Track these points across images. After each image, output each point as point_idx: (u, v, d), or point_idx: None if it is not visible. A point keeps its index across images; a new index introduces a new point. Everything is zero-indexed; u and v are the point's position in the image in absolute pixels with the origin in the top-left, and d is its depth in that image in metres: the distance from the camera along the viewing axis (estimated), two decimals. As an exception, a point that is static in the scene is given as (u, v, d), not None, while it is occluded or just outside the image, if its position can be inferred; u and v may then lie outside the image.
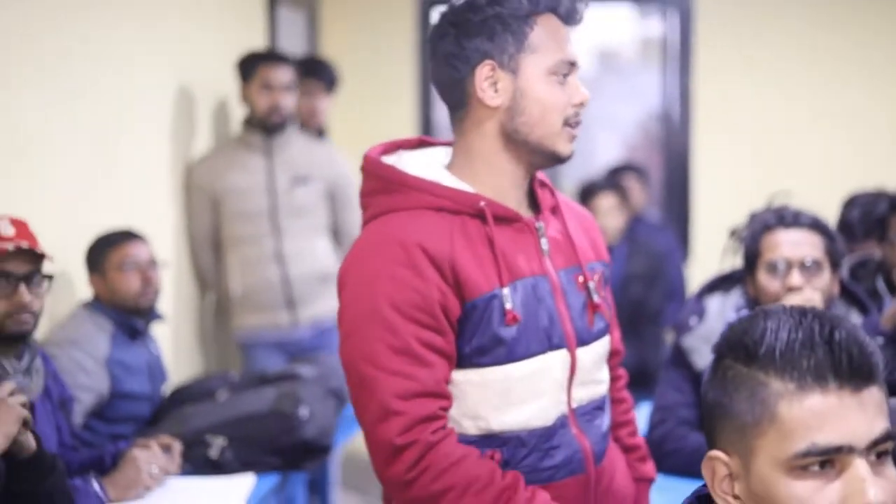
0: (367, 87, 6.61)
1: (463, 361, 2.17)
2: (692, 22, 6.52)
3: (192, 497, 3.15)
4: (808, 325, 1.52)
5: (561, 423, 2.25)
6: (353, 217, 4.94)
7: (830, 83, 6.64)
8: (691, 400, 3.20)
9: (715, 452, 1.58)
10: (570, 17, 2.25)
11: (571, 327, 2.25)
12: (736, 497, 1.57)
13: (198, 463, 3.44)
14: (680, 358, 3.25)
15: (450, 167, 2.28)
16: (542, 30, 2.21)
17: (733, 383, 1.55)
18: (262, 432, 3.52)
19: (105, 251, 3.90)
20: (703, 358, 3.17)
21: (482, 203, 2.20)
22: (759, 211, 3.25)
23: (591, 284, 2.31)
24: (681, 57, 6.48)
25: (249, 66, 5.05)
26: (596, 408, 2.34)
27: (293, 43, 6.25)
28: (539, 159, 2.25)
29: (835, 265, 3.11)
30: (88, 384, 3.67)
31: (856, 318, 3.17)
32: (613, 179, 6.14)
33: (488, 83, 2.20)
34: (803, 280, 3.04)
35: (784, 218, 3.12)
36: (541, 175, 2.35)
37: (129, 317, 3.86)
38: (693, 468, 2.82)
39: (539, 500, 2.15)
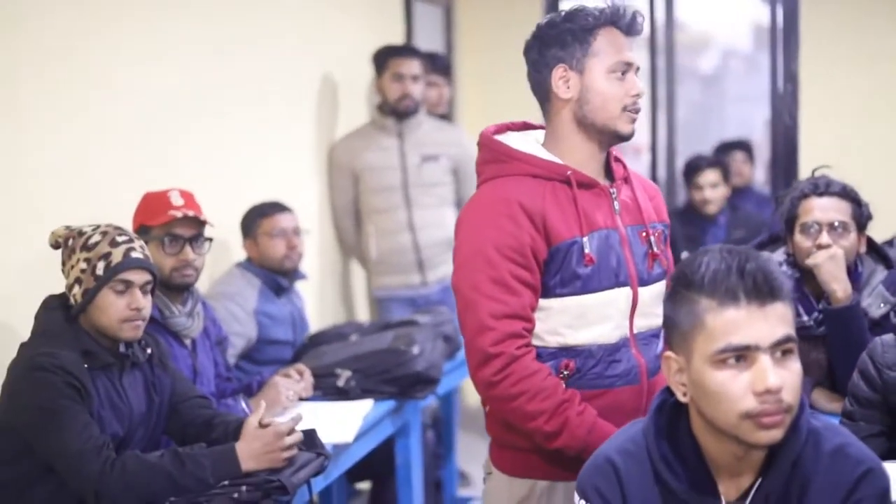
0: (498, 76, 7.18)
1: (548, 291, 2.77)
2: (798, 8, 6.89)
3: (321, 415, 3.80)
4: (729, 260, 2.13)
5: (623, 343, 2.83)
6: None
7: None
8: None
9: (668, 353, 2.22)
10: (629, 29, 2.85)
11: (634, 270, 2.85)
12: (683, 385, 2.19)
13: (328, 391, 4.11)
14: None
15: (544, 145, 2.90)
16: (604, 39, 2.81)
17: (678, 302, 2.18)
18: (380, 365, 4.17)
19: (257, 220, 4.62)
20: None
21: (569, 172, 2.81)
22: (799, 181, 3.79)
23: (652, 239, 2.91)
24: (785, 41, 6.87)
25: (382, 58, 5.75)
26: (652, 335, 2.91)
27: (429, 35, 6.84)
28: (606, 138, 2.85)
29: (860, 227, 3.63)
30: (240, 331, 4.38)
31: (882, 272, 3.67)
32: (718, 155, 6.74)
33: (562, 81, 2.83)
34: (831, 239, 3.58)
35: (817, 187, 3.65)
36: (616, 151, 2.96)
37: (275, 276, 4.58)
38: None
39: (588, 413, 2.74)
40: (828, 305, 3.53)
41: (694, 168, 6.38)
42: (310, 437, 3.25)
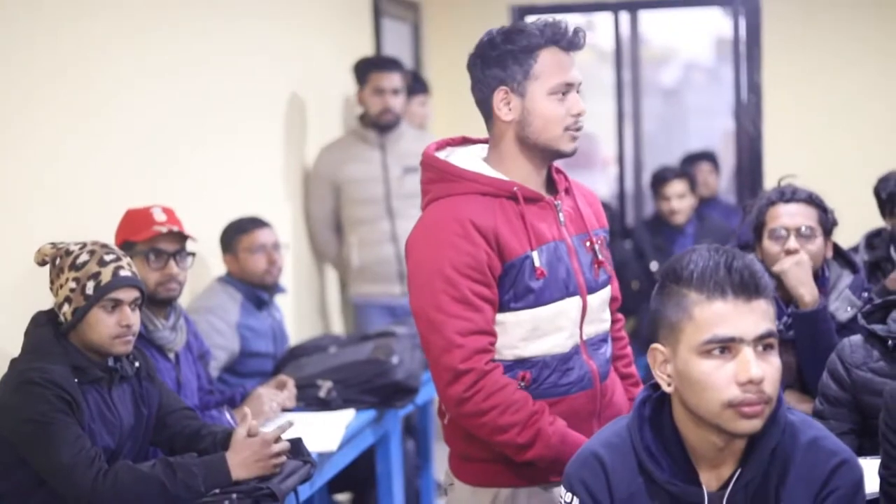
0: (466, 90, 7.27)
1: (502, 307, 2.84)
2: (761, 21, 7.03)
3: (304, 426, 3.86)
4: (717, 257, 2.25)
5: (575, 351, 2.91)
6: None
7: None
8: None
9: (655, 345, 2.32)
10: (570, 46, 2.89)
11: (583, 279, 2.92)
12: (668, 375, 2.29)
13: (310, 401, 4.20)
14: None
15: (487, 160, 2.95)
16: (545, 60, 2.84)
17: (667, 296, 2.29)
18: (361, 376, 4.27)
19: (236, 235, 4.69)
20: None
21: (515, 188, 2.86)
22: (765, 190, 3.89)
23: (596, 246, 2.98)
24: (748, 53, 7.02)
25: (363, 71, 5.82)
26: (601, 340, 3.01)
27: (398, 51, 6.91)
28: (548, 156, 2.91)
29: (826, 232, 3.73)
30: (222, 344, 4.46)
31: (847, 276, 3.77)
32: (685, 166, 6.88)
33: (503, 103, 2.88)
34: (798, 245, 3.68)
35: (784, 194, 3.75)
36: (556, 164, 3.01)
37: (256, 290, 4.65)
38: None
39: (558, 424, 2.81)
40: (796, 310, 3.63)
41: (661, 179, 6.51)
42: (296, 446, 3.32)
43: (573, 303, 2.89)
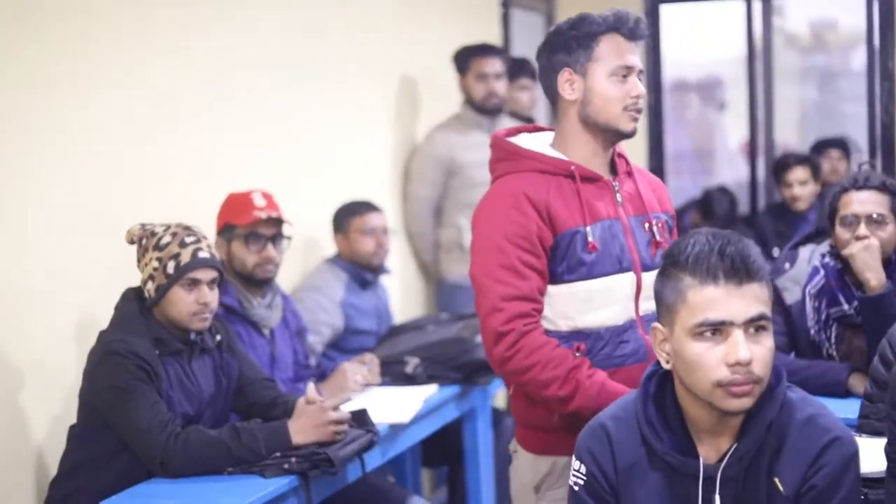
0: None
1: (556, 278, 2.99)
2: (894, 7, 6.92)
3: (386, 398, 4.11)
4: (713, 242, 2.36)
5: (630, 325, 3.04)
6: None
7: None
8: (782, 329, 3.90)
9: (655, 324, 2.45)
10: (631, 35, 3.06)
11: (637, 257, 3.06)
12: (667, 353, 2.42)
13: (397, 376, 4.41)
14: (775, 296, 3.98)
15: (553, 144, 3.12)
16: (606, 45, 3.02)
17: (666, 278, 2.41)
18: (447, 353, 4.47)
19: (349, 217, 4.94)
20: (792, 295, 3.89)
21: (572, 167, 3.03)
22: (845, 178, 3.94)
23: (655, 228, 3.11)
24: (881, 41, 6.91)
25: (463, 59, 5.93)
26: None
27: (528, 42, 7.01)
28: (609, 136, 3.06)
29: None
30: (327, 320, 4.72)
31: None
32: (813, 153, 6.88)
33: (567, 84, 3.05)
34: (869, 231, 3.73)
35: (857, 181, 3.79)
36: (619, 149, 3.16)
37: (361, 270, 4.89)
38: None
39: (597, 377, 2.95)
40: (862, 294, 3.68)
41: (783, 166, 6.54)
42: (360, 416, 3.54)
43: (626, 278, 3.03)
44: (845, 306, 3.74)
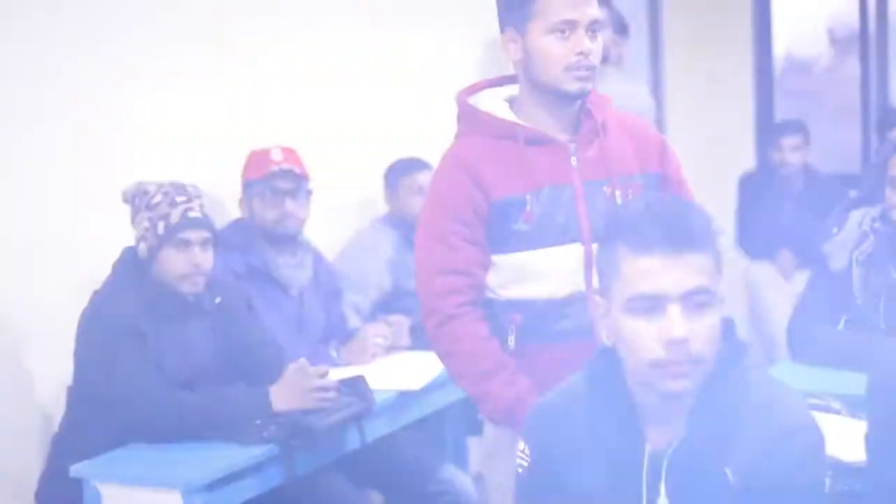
0: (705, 86, 7.24)
1: (493, 247, 2.82)
2: None
3: (404, 363, 3.98)
4: (650, 210, 2.14)
5: (578, 299, 2.81)
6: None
7: None
8: (827, 297, 3.66)
9: (596, 296, 2.23)
10: None
11: (589, 225, 2.82)
12: (608, 329, 2.20)
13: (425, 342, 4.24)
14: (820, 262, 3.73)
15: (513, 101, 2.92)
16: (545, 0, 2.78)
17: (603, 248, 2.18)
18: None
19: (399, 175, 4.82)
20: (838, 261, 3.63)
21: (517, 130, 2.83)
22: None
23: (618, 193, 2.85)
24: None
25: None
26: None
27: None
28: (555, 96, 2.83)
29: None
30: (374, 281, 4.59)
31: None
32: None
33: (512, 44, 2.84)
34: None
35: None
36: (596, 104, 2.90)
37: (411, 229, 4.72)
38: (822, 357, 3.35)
39: (516, 387, 2.76)
40: None
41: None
42: (355, 384, 3.41)
43: (571, 249, 2.81)
44: (895, 274, 3.47)
